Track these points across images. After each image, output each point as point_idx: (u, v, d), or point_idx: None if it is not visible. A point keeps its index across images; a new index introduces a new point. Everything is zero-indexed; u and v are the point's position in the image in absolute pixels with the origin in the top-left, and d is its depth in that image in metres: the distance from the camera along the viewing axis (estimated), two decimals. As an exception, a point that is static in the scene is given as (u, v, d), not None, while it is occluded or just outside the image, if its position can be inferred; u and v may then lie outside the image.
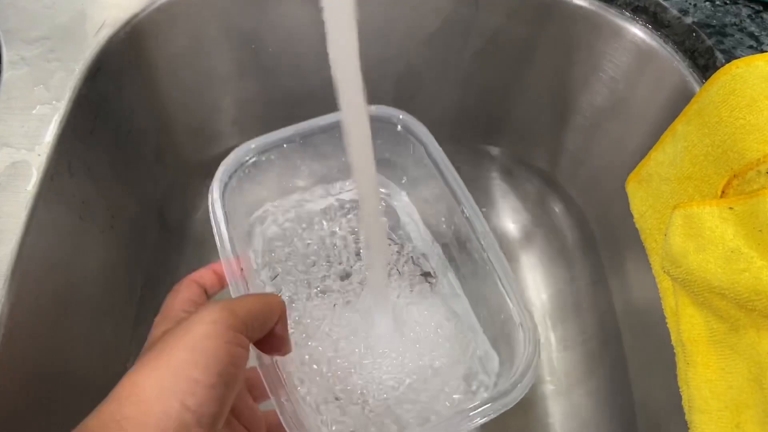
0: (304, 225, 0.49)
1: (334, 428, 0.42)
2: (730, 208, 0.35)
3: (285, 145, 0.45)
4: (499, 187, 0.59)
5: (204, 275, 0.36)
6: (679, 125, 0.41)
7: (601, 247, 0.53)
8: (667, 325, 0.42)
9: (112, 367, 0.45)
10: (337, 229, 0.49)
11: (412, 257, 0.48)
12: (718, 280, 0.35)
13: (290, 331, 0.41)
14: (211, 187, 0.39)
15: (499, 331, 0.41)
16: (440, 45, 0.50)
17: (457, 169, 0.58)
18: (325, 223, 0.49)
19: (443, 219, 0.45)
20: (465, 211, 0.41)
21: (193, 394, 0.24)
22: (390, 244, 0.48)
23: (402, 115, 0.43)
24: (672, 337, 0.42)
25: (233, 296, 0.35)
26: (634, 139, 0.47)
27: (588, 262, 0.54)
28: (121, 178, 0.44)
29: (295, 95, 0.53)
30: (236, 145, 0.55)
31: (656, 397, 0.46)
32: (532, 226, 0.58)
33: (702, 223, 0.36)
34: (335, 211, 0.49)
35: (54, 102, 0.37)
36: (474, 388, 0.43)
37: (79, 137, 0.38)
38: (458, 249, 0.45)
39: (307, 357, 0.44)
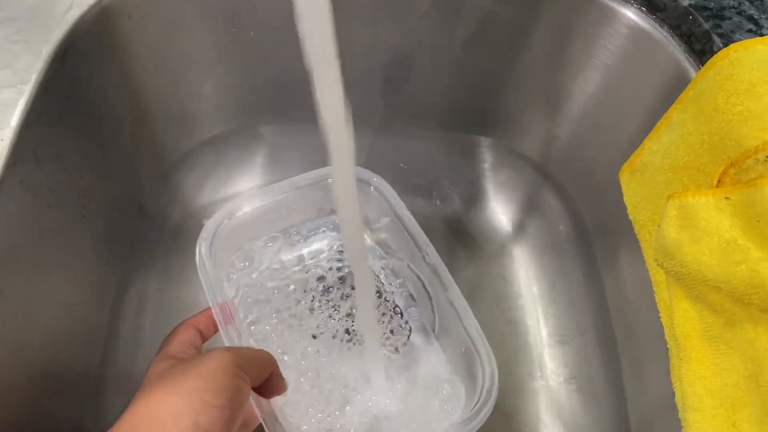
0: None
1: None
2: (727, 198, 0.33)
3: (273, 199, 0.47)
4: (490, 179, 0.57)
5: (200, 320, 0.41)
6: (675, 113, 0.40)
7: (594, 240, 0.52)
8: (661, 320, 0.41)
9: (85, 364, 0.44)
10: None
11: (395, 308, 0.50)
12: (713, 272, 0.33)
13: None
14: (198, 243, 0.43)
15: (463, 363, 0.44)
16: (429, 30, 0.49)
17: (449, 159, 0.58)
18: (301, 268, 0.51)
19: (408, 264, 0.49)
20: (426, 258, 0.45)
21: (204, 414, 0.27)
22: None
23: (376, 179, 0.48)
24: (665, 332, 0.40)
25: (225, 340, 0.39)
26: (628, 128, 0.46)
27: (581, 255, 0.53)
28: (95, 166, 0.43)
29: (281, 81, 0.52)
30: (218, 134, 0.54)
31: (649, 393, 0.45)
32: (525, 219, 0.57)
33: (697, 213, 0.34)
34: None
35: (19, 85, 0.35)
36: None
37: (47, 122, 0.36)
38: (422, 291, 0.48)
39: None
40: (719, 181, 0.36)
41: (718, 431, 0.34)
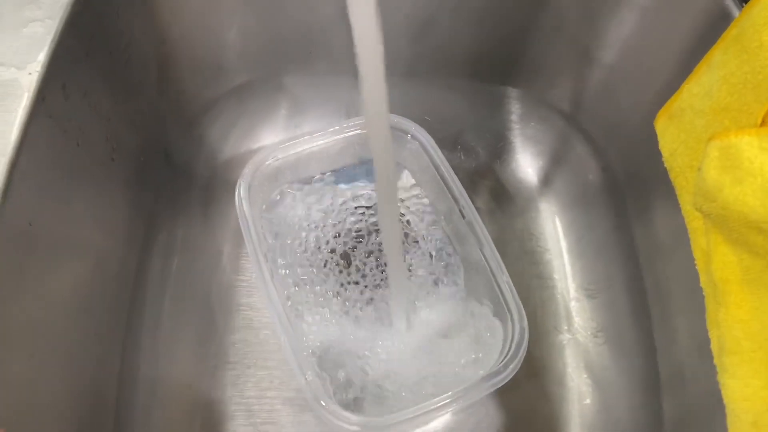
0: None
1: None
2: (772, 136, 0.32)
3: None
4: (517, 131, 0.56)
5: None
6: (716, 53, 0.38)
7: (625, 191, 0.51)
8: (696, 268, 0.40)
9: (112, 308, 0.44)
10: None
11: (430, 253, 0.49)
12: (756, 213, 0.32)
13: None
14: (237, 185, 0.43)
15: (492, 317, 0.44)
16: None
17: (474, 111, 0.56)
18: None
19: (443, 218, 0.49)
20: (463, 211, 0.45)
21: None
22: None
23: (414, 127, 0.48)
24: (701, 280, 0.39)
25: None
26: (663, 74, 0.44)
27: (611, 207, 0.52)
28: (121, 109, 0.42)
29: (305, 30, 0.51)
30: (243, 83, 0.54)
31: (680, 344, 0.44)
32: (552, 171, 0.55)
33: (740, 153, 0.33)
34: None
35: (46, 20, 0.34)
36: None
37: (74, 59, 0.36)
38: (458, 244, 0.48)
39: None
40: (763, 120, 0.35)
41: (756, 373, 0.33)
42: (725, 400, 0.35)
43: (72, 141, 0.36)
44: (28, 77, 0.32)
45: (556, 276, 0.52)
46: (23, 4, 0.35)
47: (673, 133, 0.42)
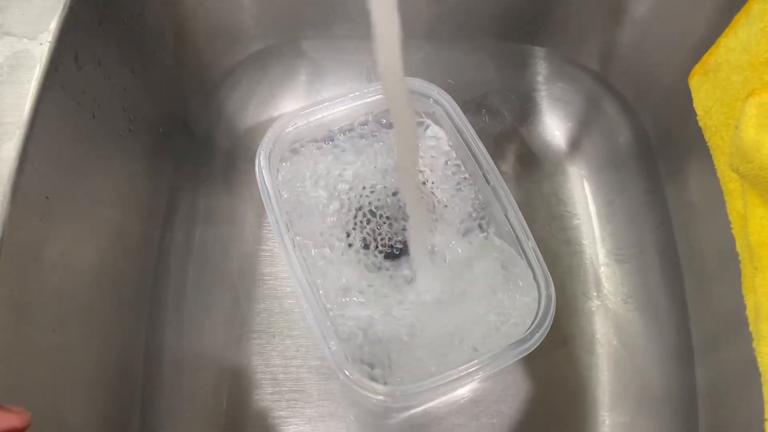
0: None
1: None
2: (815, 91, 0.30)
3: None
4: (544, 92, 0.54)
5: None
6: (755, 4, 0.36)
7: (657, 153, 0.49)
8: (732, 231, 0.38)
9: (137, 277, 0.44)
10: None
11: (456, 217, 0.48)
12: (797, 173, 0.31)
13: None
14: (257, 154, 0.43)
15: (519, 285, 0.44)
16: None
17: (499, 73, 0.55)
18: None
19: (466, 179, 0.48)
20: (487, 176, 0.44)
21: None
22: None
23: (436, 91, 0.46)
24: (737, 244, 0.38)
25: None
26: (699, 28, 0.42)
27: (642, 170, 0.50)
28: (138, 78, 0.42)
29: (323, -8, 0.49)
30: (260, 49, 0.53)
31: (714, 311, 0.43)
32: (581, 134, 0.54)
33: (780, 110, 0.31)
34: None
35: (56, -12, 0.34)
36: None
37: (86, 28, 0.35)
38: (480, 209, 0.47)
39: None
40: (806, 74, 0.33)
41: (796, 341, 0.32)
42: (761, 368, 0.33)
43: (88, 112, 0.36)
44: (39, 47, 0.32)
45: (584, 241, 0.51)
46: (33, -27, 0.34)
47: (708, 90, 0.40)
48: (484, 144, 0.44)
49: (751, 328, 0.35)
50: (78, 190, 0.36)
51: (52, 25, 0.32)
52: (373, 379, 0.39)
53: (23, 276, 0.30)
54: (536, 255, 0.41)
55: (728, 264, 0.39)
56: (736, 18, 0.37)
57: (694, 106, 0.41)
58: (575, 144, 0.54)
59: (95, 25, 0.36)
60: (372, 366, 0.43)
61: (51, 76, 0.32)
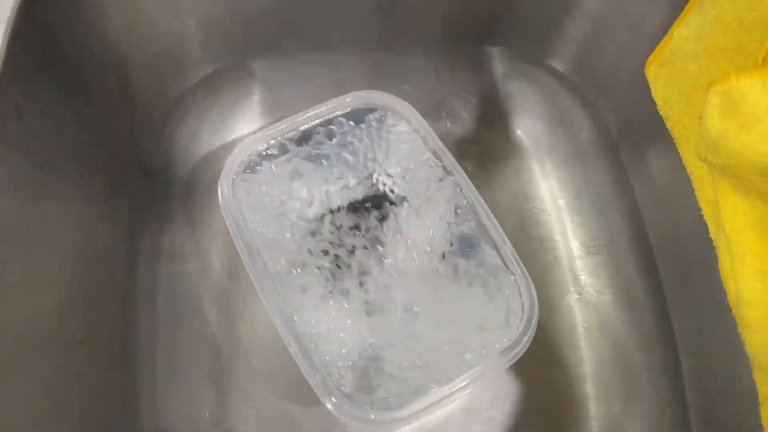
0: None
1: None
2: (776, 77, 0.31)
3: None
4: (503, 92, 0.54)
5: None
6: (706, -8, 0.36)
7: (620, 144, 0.49)
8: (704, 218, 0.39)
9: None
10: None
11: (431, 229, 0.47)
12: (766, 159, 0.31)
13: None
14: (219, 185, 0.41)
15: (498, 290, 0.43)
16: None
17: (456, 76, 0.54)
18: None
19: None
20: (457, 182, 0.44)
21: None
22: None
23: (392, 100, 0.46)
24: (711, 231, 0.38)
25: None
26: (653, 19, 0.42)
27: (606, 161, 0.50)
28: (84, 120, 0.40)
29: (269, 8, 0.48)
30: (208, 74, 0.51)
31: (692, 296, 0.43)
32: (542, 131, 0.54)
33: (743, 98, 0.31)
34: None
35: (-13, 38, 0.31)
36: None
37: (24, 77, 0.33)
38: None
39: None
40: (764, 60, 0.33)
41: (781, 325, 0.32)
42: (749, 353, 0.34)
43: (35, 164, 0.34)
44: (-24, 104, 0.30)
45: (556, 236, 0.51)
46: (-40, 22, 0.32)
47: (665, 80, 0.40)
48: (447, 148, 0.44)
49: (734, 314, 0.35)
50: (31, 250, 0.34)
51: (-13, 78, 0.30)
52: (362, 404, 0.38)
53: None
54: (514, 258, 0.41)
55: (702, 249, 0.40)
56: (687, 7, 0.38)
57: (653, 96, 0.41)
58: (537, 141, 0.53)
59: (33, 72, 0.34)
60: (359, 390, 0.42)
61: (-8, 133, 0.30)
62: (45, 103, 0.35)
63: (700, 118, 0.34)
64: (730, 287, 0.36)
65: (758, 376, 0.33)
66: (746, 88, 0.31)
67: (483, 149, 0.54)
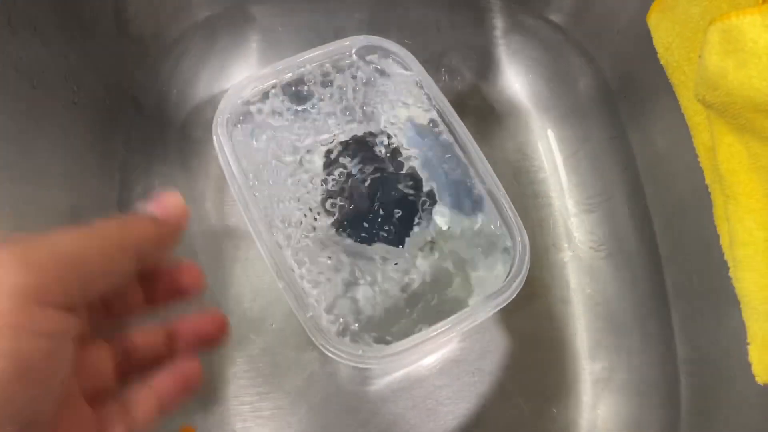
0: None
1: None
2: (776, 12, 0.30)
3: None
4: (502, 46, 0.54)
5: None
6: (709, -66, 0.36)
7: (618, 98, 0.49)
8: (700, 165, 0.38)
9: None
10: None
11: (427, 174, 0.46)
12: (763, 95, 0.31)
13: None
14: (214, 124, 0.40)
15: (492, 237, 0.43)
16: None
17: (456, 30, 0.54)
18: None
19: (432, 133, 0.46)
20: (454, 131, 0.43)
21: None
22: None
23: (395, 47, 0.45)
24: (706, 176, 0.38)
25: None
26: (653, -34, 0.42)
27: (604, 117, 0.50)
28: (78, 46, 0.39)
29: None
30: (207, 17, 0.50)
31: (686, 248, 0.43)
32: (541, 86, 0.53)
33: (743, 35, 0.31)
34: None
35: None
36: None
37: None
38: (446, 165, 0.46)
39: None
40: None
41: (772, 263, 0.32)
42: (739, 295, 0.34)
43: (26, 81, 0.33)
44: (-33, 9, 0.29)
45: (552, 193, 0.51)
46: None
47: (667, 26, 0.40)
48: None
49: (726, 257, 0.35)
50: (22, 170, 0.33)
51: (-21, -14, 0.30)
52: (348, 342, 0.38)
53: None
54: (508, 205, 0.40)
55: (696, 200, 0.40)
56: (690, -50, 0.37)
57: (654, 43, 0.41)
58: (537, 97, 0.53)
59: (26, -14, 0.34)
60: (348, 331, 0.42)
61: (-18, 40, 0.29)
62: (39, 21, 0.35)
63: (699, 57, 0.34)
64: (723, 230, 0.35)
65: (747, 314, 0.33)
66: (746, 24, 0.31)
67: (482, 104, 0.53)
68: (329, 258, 0.44)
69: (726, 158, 0.34)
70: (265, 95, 0.44)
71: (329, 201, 0.45)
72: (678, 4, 0.39)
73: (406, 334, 0.41)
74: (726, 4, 0.35)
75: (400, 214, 0.46)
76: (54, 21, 0.36)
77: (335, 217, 0.45)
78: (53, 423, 0.17)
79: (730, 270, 0.34)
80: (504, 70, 0.53)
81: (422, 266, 0.44)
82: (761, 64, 0.30)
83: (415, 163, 0.47)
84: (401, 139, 0.48)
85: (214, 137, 0.40)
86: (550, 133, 0.52)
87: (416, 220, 0.46)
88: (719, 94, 0.33)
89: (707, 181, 0.37)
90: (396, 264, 0.44)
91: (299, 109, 0.46)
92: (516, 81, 0.53)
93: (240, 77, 0.51)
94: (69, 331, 0.17)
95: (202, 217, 0.48)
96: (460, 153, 0.43)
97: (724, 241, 0.35)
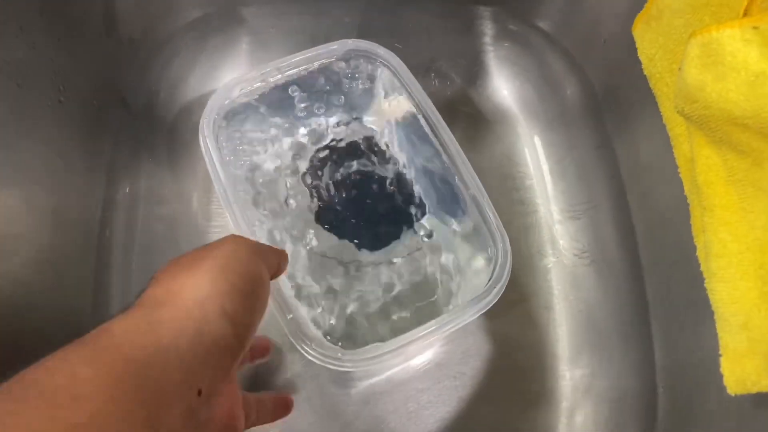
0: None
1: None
2: (755, 27, 0.31)
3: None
4: (491, 53, 0.54)
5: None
6: (694, -53, 0.36)
7: (604, 108, 0.49)
8: (680, 176, 0.39)
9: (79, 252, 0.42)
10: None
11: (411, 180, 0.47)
12: (740, 109, 0.31)
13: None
14: (200, 125, 0.40)
15: (474, 242, 0.43)
16: None
17: (446, 36, 0.54)
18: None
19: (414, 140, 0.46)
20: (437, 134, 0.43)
21: (231, 299, 0.24)
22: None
23: (383, 51, 0.45)
24: (685, 188, 0.38)
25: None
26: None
27: (591, 126, 0.50)
28: (64, 47, 0.39)
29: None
30: (197, 18, 0.50)
31: (666, 260, 0.43)
32: (529, 93, 0.53)
33: (722, 48, 0.31)
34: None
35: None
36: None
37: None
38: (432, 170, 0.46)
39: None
40: (746, 12, 0.34)
41: (745, 275, 0.32)
42: (714, 305, 0.34)
43: (11, 81, 0.33)
44: (-50, 9, 0.29)
45: (538, 200, 0.51)
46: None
47: (651, 37, 0.40)
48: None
49: (702, 268, 0.35)
50: (7, 167, 0.33)
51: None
52: (330, 344, 0.38)
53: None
54: (491, 210, 0.40)
55: (677, 211, 0.40)
56: (675, -37, 0.38)
57: (639, 55, 0.41)
58: (525, 104, 0.53)
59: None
60: (328, 334, 0.42)
61: (-34, 40, 0.29)
62: (24, 20, 0.35)
63: (679, 69, 0.34)
64: (700, 241, 0.36)
65: (719, 326, 0.33)
66: (725, 38, 0.31)
67: (470, 110, 0.54)
68: (312, 260, 0.44)
69: (703, 170, 0.34)
70: (253, 97, 0.44)
71: (315, 203, 0.46)
72: (662, 16, 0.39)
73: (387, 338, 0.41)
74: (708, 17, 0.36)
75: (385, 218, 0.46)
76: (40, 22, 0.36)
77: (319, 220, 0.45)
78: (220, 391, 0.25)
79: (705, 281, 0.35)
80: (493, 76, 0.54)
81: (405, 270, 0.45)
82: (739, 78, 0.31)
83: (401, 168, 0.47)
84: (388, 142, 0.48)
85: (201, 138, 0.40)
86: (537, 140, 0.53)
87: (401, 225, 0.46)
88: (698, 106, 0.33)
89: (686, 192, 0.38)
90: (379, 268, 0.45)
91: (287, 111, 0.46)
92: (504, 87, 0.54)
93: (229, 78, 0.52)
94: (269, 286, 0.28)
95: (189, 217, 0.48)
96: (445, 158, 0.43)
97: (701, 253, 0.35)
